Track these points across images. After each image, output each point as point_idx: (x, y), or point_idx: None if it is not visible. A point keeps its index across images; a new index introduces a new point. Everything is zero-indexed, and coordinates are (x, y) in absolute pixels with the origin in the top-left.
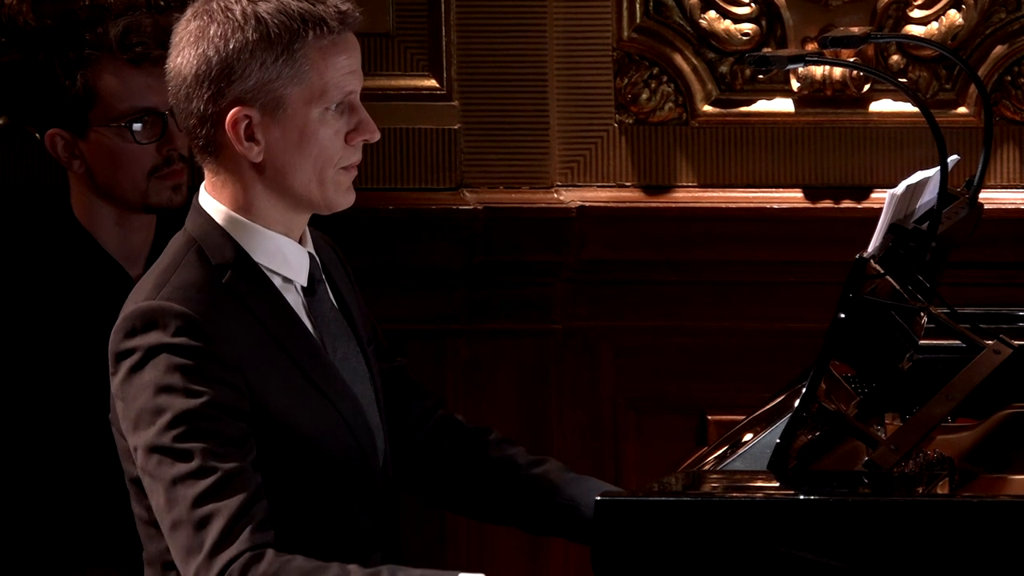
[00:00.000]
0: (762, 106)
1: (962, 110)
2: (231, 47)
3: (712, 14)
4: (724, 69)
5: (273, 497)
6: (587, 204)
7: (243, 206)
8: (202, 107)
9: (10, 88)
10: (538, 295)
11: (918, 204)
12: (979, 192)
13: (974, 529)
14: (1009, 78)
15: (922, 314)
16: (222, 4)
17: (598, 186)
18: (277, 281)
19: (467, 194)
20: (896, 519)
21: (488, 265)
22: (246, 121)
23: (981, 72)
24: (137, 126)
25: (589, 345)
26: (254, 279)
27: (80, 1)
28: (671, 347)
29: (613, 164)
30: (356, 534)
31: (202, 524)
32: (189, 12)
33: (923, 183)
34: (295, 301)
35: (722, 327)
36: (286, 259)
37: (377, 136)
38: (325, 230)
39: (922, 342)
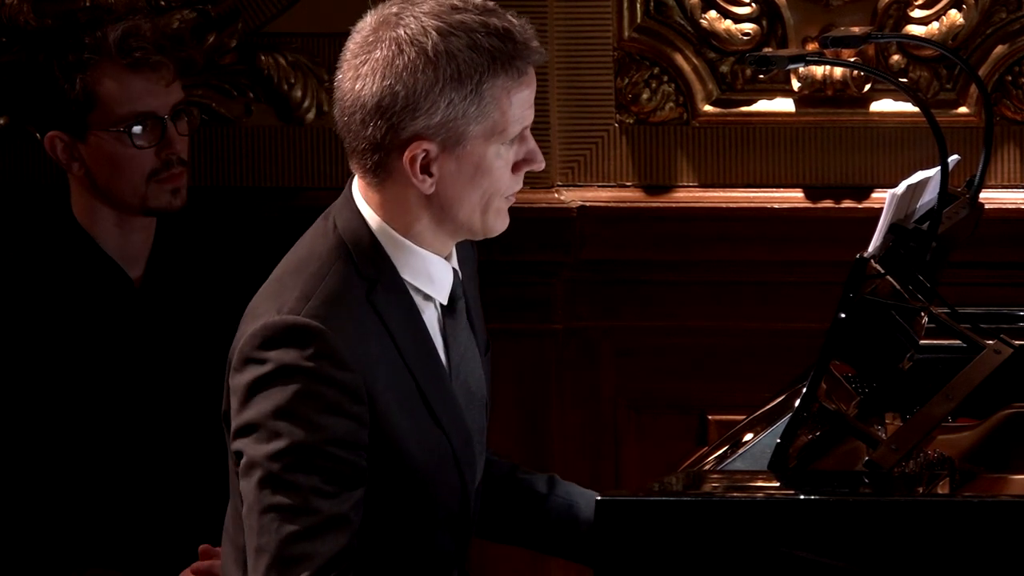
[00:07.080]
0: (763, 106)
1: (963, 110)
2: (420, 84)
3: (713, 14)
4: (725, 69)
5: (368, 513)
6: (587, 204)
7: (402, 226)
8: (379, 136)
9: (10, 88)
10: (538, 295)
11: (918, 204)
12: (979, 192)
13: (974, 529)
14: (1010, 78)
15: (922, 314)
16: (409, 35)
17: (598, 186)
18: (418, 297)
19: None
20: (896, 519)
21: (488, 265)
22: (424, 155)
23: (982, 72)
24: (136, 130)
25: (589, 345)
26: (397, 295)
27: (81, 1)
28: (671, 347)
29: (613, 164)
30: (439, 557)
31: (289, 564)
32: (369, 32)
33: (923, 183)
34: (432, 318)
35: (722, 327)
36: (431, 277)
37: (543, 165)
38: None
39: (922, 342)
